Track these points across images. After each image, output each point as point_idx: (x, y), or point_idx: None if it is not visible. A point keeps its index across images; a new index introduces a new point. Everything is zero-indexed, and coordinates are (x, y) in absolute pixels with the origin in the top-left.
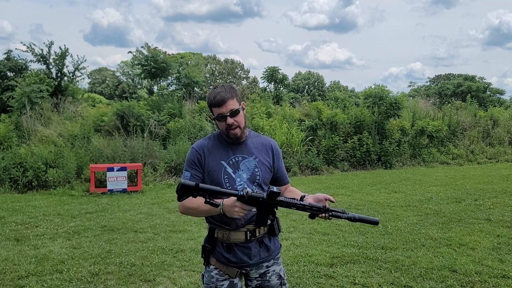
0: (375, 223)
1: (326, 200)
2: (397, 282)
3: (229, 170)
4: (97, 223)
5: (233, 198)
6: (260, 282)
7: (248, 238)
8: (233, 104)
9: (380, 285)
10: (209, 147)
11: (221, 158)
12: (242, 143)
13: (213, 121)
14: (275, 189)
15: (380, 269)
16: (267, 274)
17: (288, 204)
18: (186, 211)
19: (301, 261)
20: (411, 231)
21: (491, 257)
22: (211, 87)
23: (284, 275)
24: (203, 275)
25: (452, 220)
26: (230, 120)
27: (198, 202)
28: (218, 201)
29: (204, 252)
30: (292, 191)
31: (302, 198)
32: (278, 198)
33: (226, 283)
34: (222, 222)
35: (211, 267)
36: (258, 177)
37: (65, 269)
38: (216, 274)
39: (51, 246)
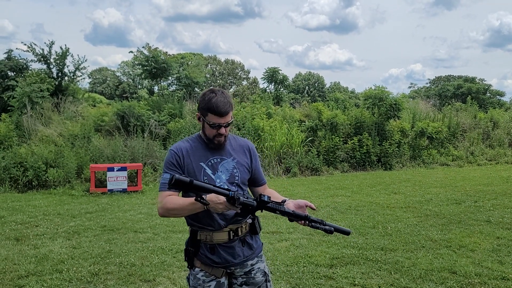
0: (347, 233)
1: (306, 206)
2: (397, 284)
3: (208, 171)
4: (97, 223)
5: (216, 196)
6: (245, 279)
7: (231, 237)
8: (230, 116)
9: (379, 286)
10: (187, 149)
11: (200, 160)
12: (221, 145)
13: (199, 120)
14: (265, 198)
15: (380, 270)
16: (252, 272)
17: (273, 210)
18: (167, 212)
19: (300, 262)
20: (411, 233)
21: (491, 259)
22: (209, 88)
23: (268, 272)
24: (188, 278)
25: (452, 222)
26: (223, 131)
27: (179, 201)
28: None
29: (187, 255)
30: (270, 193)
31: (283, 202)
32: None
33: (213, 283)
34: (205, 224)
35: (196, 269)
36: (237, 178)
37: (65, 269)
38: (202, 276)
39: (51, 245)
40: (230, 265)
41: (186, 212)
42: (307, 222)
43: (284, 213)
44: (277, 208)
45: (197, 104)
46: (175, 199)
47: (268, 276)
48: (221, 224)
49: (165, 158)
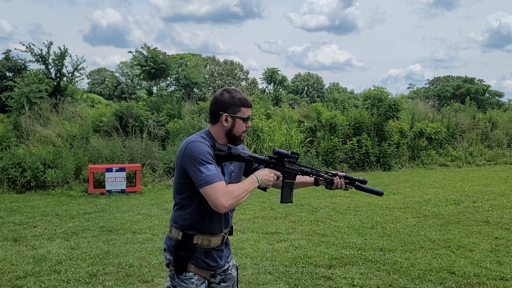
0: (380, 194)
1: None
2: (396, 284)
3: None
4: (95, 223)
5: (265, 169)
6: (223, 276)
7: (223, 241)
8: None
9: (378, 287)
10: None
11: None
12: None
13: (226, 122)
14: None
15: (379, 271)
16: (228, 269)
17: (306, 172)
18: (236, 200)
19: (299, 262)
20: (410, 233)
21: (489, 259)
22: (224, 88)
23: (237, 264)
24: (173, 287)
25: (450, 222)
26: (249, 123)
27: (239, 186)
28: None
29: (180, 261)
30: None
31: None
32: (300, 167)
33: (203, 286)
34: (207, 229)
35: (190, 273)
36: (234, 182)
37: (63, 270)
38: (196, 280)
39: (49, 246)
40: (219, 267)
41: (247, 195)
42: (341, 179)
43: (316, 173)
44: (309, 169)
45: (195, 105)
46: (234, 186)
47: (238, 269)
48: (221, 228)
49: (197, 150)
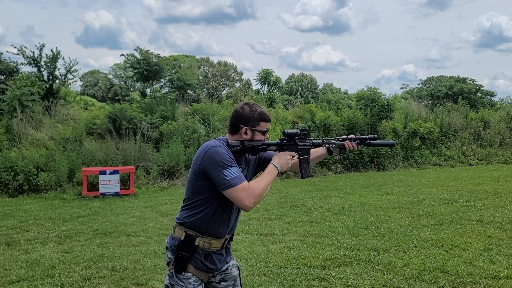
0: (392, 145)
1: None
2: (390, 284)
3: None
4: (89, 227)
5: (280, 153)
6: (223, 276)
7: (223, 246)
8: None
9: (372, 287)
10: None
11: None
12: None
13: (245, 135)
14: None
15: (373, 271)
16: (228, 268)
17: (318, 144)
18: (259, 198)
19: (294, 263)
20: (404, 233)
21: (482, 258)
22: (245, 102)
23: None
24: (171, 284)
25: (444, 222)
26: (267, 135)
27: (260, 182)
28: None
29: (181, 260)
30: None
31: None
32: (312, 140)
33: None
34: (213, 231)
35: (188, 274)
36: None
37: (57, 274)
38: (194, 281)
39: (42, 250)
40: (216, 270)
41: (268, 187)
42: (352, 142)
43: (327, 142)
44: (321, 142)
45: (189, 106)
46: (255, 183)
47: (239, 269)
48: (224, 233)
49: (219, 154)
